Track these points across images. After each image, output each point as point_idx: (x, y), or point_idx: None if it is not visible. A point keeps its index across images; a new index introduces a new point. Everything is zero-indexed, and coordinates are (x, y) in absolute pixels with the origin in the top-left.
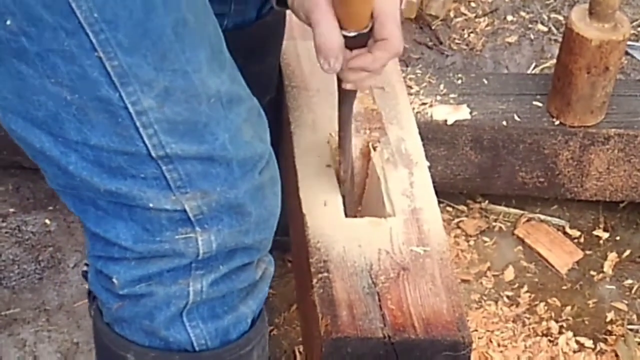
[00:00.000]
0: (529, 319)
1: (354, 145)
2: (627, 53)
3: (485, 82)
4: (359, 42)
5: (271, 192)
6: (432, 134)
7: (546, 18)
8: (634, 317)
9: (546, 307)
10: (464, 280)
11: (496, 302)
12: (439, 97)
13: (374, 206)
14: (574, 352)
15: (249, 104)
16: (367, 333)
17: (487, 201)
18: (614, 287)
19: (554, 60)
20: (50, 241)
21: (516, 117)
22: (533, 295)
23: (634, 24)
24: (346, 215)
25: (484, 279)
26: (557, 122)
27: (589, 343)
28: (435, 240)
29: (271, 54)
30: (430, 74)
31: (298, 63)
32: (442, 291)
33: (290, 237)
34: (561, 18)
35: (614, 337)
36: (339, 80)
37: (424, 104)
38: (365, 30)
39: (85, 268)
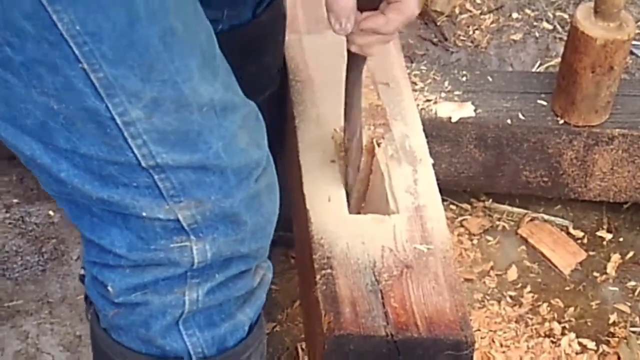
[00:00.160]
0: (531, 319)
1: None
2: (632, 53)
3: (490, 79)
4: (371, 3)
5: (268, 199)
6: (436, 131)
7: (551, 16)
8: (637, 319)
9: (549, 308)
10: (467, 279)
11: (499, 302)
12: (443, 94)
13: (378, 203)
14: (577, 353)
15: (244, 111)
16: (370, 331)
17: (490, 200)
18: (617, 288)
19: (559, 59)
20: (54, 233)
21: (520, 116)
22: (536, 296)
23: (639, 23)
24: (349, 204)
25: (487, 278)
26: (561, 121)
27: (591, 345)
28: (438, 238)
29: (269, 53)
30: (435, 70)
31: (302, 57)
32: (445, 290)
33: (293, 233)
34: (566, 16)
35: (616, 339)
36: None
37: (428, 100)
38: None
39: (82, 272)
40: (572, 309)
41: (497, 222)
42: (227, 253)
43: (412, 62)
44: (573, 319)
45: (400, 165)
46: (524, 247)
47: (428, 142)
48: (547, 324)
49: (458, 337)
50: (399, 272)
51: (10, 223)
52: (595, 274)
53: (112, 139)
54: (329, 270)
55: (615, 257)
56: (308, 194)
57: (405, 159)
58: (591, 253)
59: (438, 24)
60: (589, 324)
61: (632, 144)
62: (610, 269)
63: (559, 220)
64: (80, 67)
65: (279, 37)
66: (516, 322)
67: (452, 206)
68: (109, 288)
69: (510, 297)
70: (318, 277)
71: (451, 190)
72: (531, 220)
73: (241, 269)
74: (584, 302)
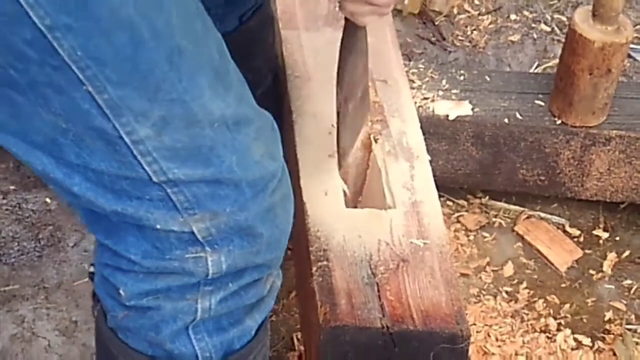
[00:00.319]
0: (527, 315)
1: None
2: (630, 56)
3: (488, 79)
4: None
5: (282, 210)
6: (433, 128)
7: (549, 18)
8: (632, 317)
9: (545, 304)
10: (463, 274)
11: (495, 297)
12: (441, 92)
13: (375, 198)
14: (572, 349)
15: (258, 123)
16: (366, 322)
17: (487, 197)
18: (612, 286)
19: (557, 60)
20: (51, 220)
21: (518, 115)
22: (532, 292)
23: (637, 27)
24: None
25: (483, 274)
26: (558, 122)
27: (587, 341)
28: (435, 233)
29: (258, 58)
30: (432, 69)
31: (301, 54)
32: (441, 284)
33: None
34: (564, 19)
35: (612, 336)
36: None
37: (425, 98)
38: None
39: (92, 270)
40: (567, 305)
41: (494, 219)
42: (242, 264)
43: (410, 61)
44: (569, 316)
45: (397, 161)
46: (520, 244)
47: (425, 139)
48: (542, 320)
49: (454, 331)
50: (395, 265)
51: (7, 210)
52: (591, 271)
53: (122, 155)
54: (325, 263)
55: (612, 256)
56: (305, 188)
57: (403, 155)
58: (587, 251)
59: (436, 23)
60: (585, 320)
61: (629, 145)
62: (607, 267)
63: (555, 219)
64: (84, 89)
65: (268, 40)
66: (512, 317)
67: (448, 202)
68: (121, 291)
69: (506, 292)
70: (314, 268)
71: (448, 187)
72: (528, 217)
73: (254, 278)
74: (579, 299)
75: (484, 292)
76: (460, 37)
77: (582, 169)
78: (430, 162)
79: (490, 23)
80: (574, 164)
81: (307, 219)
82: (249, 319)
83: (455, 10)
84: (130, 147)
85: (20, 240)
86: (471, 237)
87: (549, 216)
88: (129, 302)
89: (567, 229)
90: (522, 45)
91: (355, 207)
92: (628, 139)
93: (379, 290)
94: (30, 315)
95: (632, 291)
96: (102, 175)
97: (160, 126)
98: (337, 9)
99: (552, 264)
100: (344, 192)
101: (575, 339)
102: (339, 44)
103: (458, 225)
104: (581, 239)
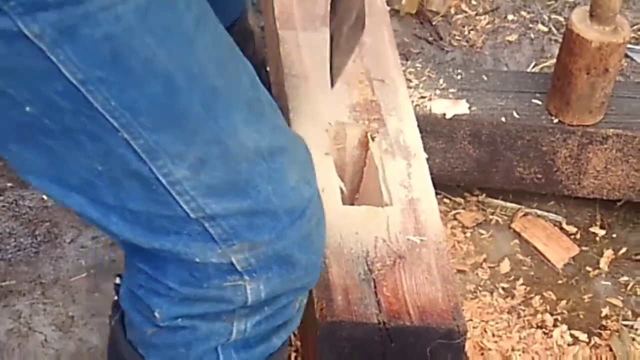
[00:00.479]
0: (524, 310)
1: (352, 135)
2: (627, 55)
3: (485, 78)
4: None
5: (317, 234)
6: (430, 126)
7: (547, 18)
8: (629, 313)
9: (541, 300)
10: (459, 271)
11: (491, 293)
12: (438, 91)
13: (371, 195)
14: (569, 345)
15: (292, 149)
16: (362, 318)
17: (484, 194)
18: (609, 283)
19: (554, 60)
20: (47, 216)
21: (515, 114)
22: (528, 288)
23: (634, 27)
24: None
25: (479, 270)
26: (555, 121)
27: (583, 337)
28: (432, 230)
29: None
30: (430, 68)
31: (298, 53)
32: (437, 280)
33: None
34: (561, 19)
35: (608, 332)
36: None
37: (423, 97)
38: None
39: (117, 281)
40: (564, 301)
41: (491, 216)
42: (280, 291)
43: (407, 60)
44: (565, 312)
45: (394, 159)
46: (517, 241)
47: (422, 138)
48: (539, 316)
49: (450, 326)
50: (392, 262)
51: (3, 206)
52: (588, 268)
53: (159, 195)
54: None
55: (608, 253)
56: None
57: (400, 153)
58: (584, 248)
59: (433, 23)
60: (581, 316)
61: (626, 144)
62: (603, 264)
63: (552, 216)
64: (119, 135)
65: (248, 54)
66: (508, 313)
67: (445, 200)
68: (156, 314)
69: (503, 289)
70: None
71: (445, 185)
72: (524, 215)
73: (290, 300)
74: (576, 296)
75: (480, 289)
76: (457, 37)
77: (579, 167)
78: (428, 160)
79: (488, 23)
80: (571, 162)
81: None
82: (276, 337)
83: (452, 11)
84: (167, 188)
85: (17, 236)
86: (468, 234)
87: (545, 214)
88: (163, 323)
89: (564, 226)
90: (520, 45)
91: (352, 204)
92: (625, 138)
93: (375, 286)
94: (26, 310)
95: (628, 288)
96: (139, 214)
97: (197, 166)
98: None
99: (549, 260)
100: (341, 189)
101: (571, 335)
102: None
103: (455, 223)
104: (578, 236)
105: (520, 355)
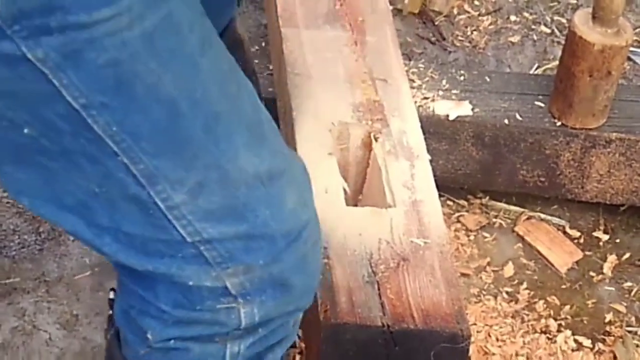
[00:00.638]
0: (527, 315)
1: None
2: (630, 59)
3: (488, 79)
4: None
5: (313, 256)
6: (433, 128)
7: (549, 20)
8: (633, 319)
9: (545, 305)
10: (463, 274)
11: (495, 298)
12: (441, 92)
13: (375, 196)
14: (573, 350)
15: (290, 171)
16: (366, 321)
17: (487, 197)
18: (613, 288)
19: (556, 62)
20: None
21: (518, 116)
22: (532, 293)
23: (637, 30)
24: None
25: (483, 274)
26: (558, 123)
27: (587, 343)
28: (435, 232)
29: None
30: (432, 69)
31: (301, 51)
32: (441, 283)
33: None
34: (564, 21)
35: (612, 338)
36: None
37: (425, 98)
38: None
39: (111, 296)
40: (568, 306)
41: (494, 219)
42: (274, 314)
43: (410, 60)
44: (569, 317)
45: (397, 160)
46: (520, 244)
47: (425, 139)
48: (543, 321)
49: (454, 330)
50: (396, 264)
51: (7, 202)
52: (591, 273)
53: (156, 219)
54: (325, 260)
55: (612, 258)
56: None
57: (403, 154)
58: (587, 253)
59: (436, 23)
60: (585, 322)
61: (629, 148)
62: (607, 269)
63: (555, 220)
64: (119, 159)
65: (238, 63)
66: (512, 317)
67: (449, 202)
68: (149, 335)
69: (507, 293)
70: None
71: (448, 187)
72: (528, 218)
73: (284, 321)
74: (580, 301)
75: (484, 292)
76: (460, 38)
77: (582, 170)
78: (431, 161)
79: (490, 24)
80: (574, 166)
81: None
82: (271, 354)
83: (455, 11)
84: (165, 213)
85: (21, 234)
86: (471, 237)
87: (549, 217)
88: (156, 345)
89: (568, 230)
90: (522, 46)
91: (356, 205)
92: (628, 142)
93: (379, 289)
94: (31, 308)
95: (632, 293)
96: (134, 237)
97: (196, 191)
98: (336, 7)
99: (553, 265)
100: (344, 190)
101: (575, 340)
102: (338, 42)
103: (458, 225)
104: (581, 241)
105: None
